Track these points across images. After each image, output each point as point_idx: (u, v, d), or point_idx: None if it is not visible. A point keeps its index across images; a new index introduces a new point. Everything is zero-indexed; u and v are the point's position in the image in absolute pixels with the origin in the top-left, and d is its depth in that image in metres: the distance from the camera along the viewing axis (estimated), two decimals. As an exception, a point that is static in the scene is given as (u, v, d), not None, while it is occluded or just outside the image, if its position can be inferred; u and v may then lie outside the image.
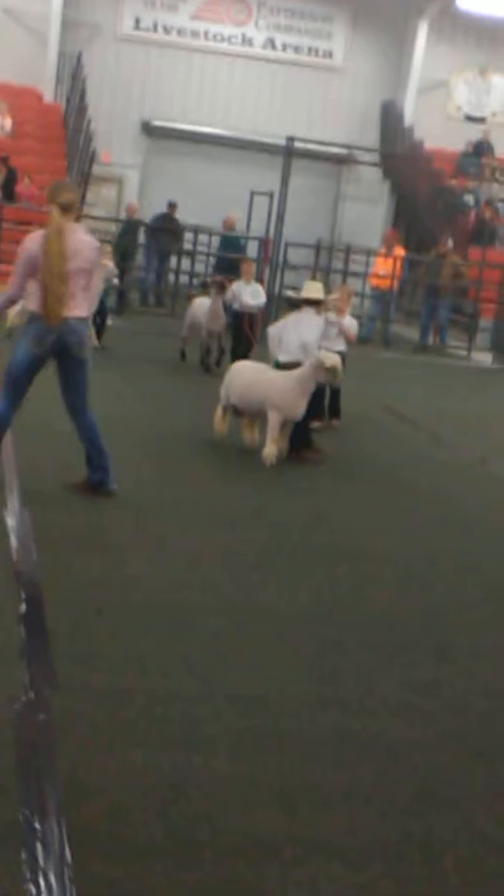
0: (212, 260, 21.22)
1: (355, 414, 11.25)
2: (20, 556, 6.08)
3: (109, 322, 14.61)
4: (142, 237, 21.81)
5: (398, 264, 20.79)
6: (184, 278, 21.34)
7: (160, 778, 3.89)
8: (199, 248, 21.53)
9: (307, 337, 9.49)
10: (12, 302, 7.60)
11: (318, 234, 24.94)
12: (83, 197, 20.38)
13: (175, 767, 3.97)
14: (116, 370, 12.82)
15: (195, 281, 20.56)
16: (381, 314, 20.80)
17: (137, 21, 26.29)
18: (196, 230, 21.33)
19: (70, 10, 24.92)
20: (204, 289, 15.56)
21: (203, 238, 22.00)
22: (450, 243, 21.01)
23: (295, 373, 9.11)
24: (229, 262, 19.49)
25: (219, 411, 9.59)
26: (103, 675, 4.67)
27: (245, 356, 12.10)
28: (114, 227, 22.04)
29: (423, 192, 25.69)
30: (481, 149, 26.96)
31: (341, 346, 10.80)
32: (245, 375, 9.41)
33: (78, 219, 7.82)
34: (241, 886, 3.35)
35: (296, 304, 11.00)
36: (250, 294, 13.34)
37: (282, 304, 18.07)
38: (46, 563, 5.95)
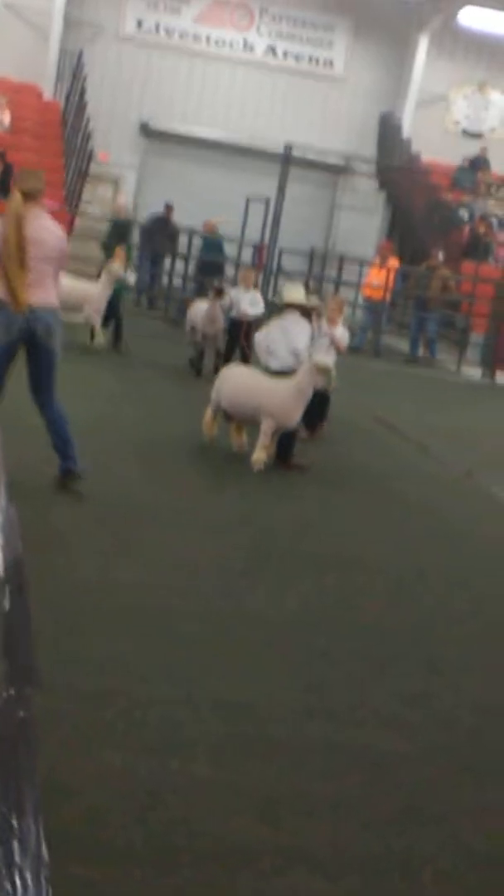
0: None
1: (345, 423, 11.21)
2: (5, 552, 5.99)
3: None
4: (135, 237, 21.74)
5: (391, 276, 20.77)
6: (177, 281, 21.25)
7: (139, 782, 3.83)
8: (194, 252, 21.46)
9: (298, 344, 9.45)
10: None
11: (312, 243, 24.95)
12: (79, 195, 20.36)
13: (154, 772, 3.91)
14: (107, 371, 12.77)
15: (189, 285, 20.50)
16: (373, 325, 20.78)
17: (140, 22, 26.24)
18: (191, 233, 21.27)
19: (72, 8, 24.85)
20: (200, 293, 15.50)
21: (197, 242, 21.94)
22: (440, 256, 20.99)
23: (293, 381, 9.05)
24: (210, 266, 19.38)
25: (209, 414, 9.48)
26: (85, 677, 4.60)
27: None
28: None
29: (418, 205, 25.71)
30: (478, 164, 27.00)
31: (331, 357, 10.57)
32: (239, 381, 9.32)
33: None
34: (217, 893, 3.29)
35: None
36: (249, 302, 13.04)
37: (275, 311, 18.01)
38: (32, 562, 5.87)
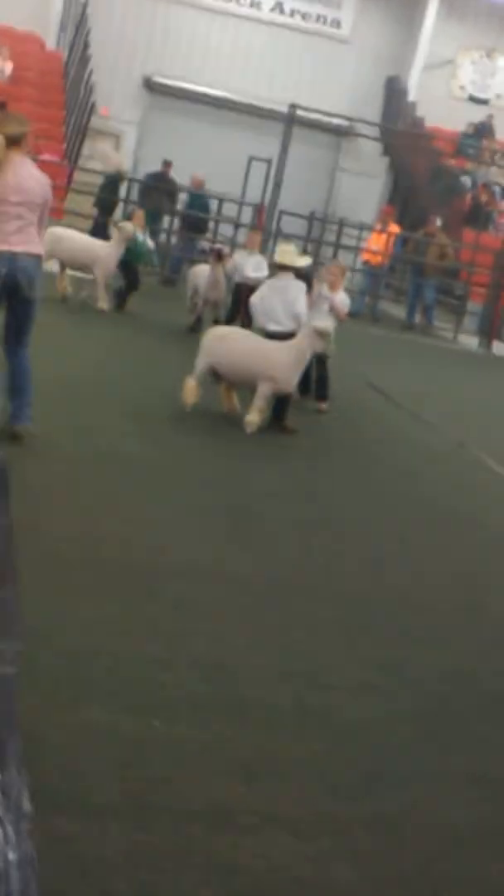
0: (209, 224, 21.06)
1: (339, 388, 11.24)
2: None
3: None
4: (134, 194, 21.62)
5: (391, 241, 20.74)
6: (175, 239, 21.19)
7: (120, 739, 3.93)
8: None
9: (298, 308, 9.48)
10: None
11: (312, 205, 24.84)
12: (79, 149, 20.24)
13: (135, 730, 4.01)
14: (101, 328, 12.78)
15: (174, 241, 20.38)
16: (371, 290, 20.77)
17: (147, -26, 26.01)
18: (190, 191, 21.14)
19: (78, -42, 24.62)
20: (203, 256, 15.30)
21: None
22: (438, 223, 20.91)
23: (292, 345, 9.08)
24: (194, 221, 19.25)
25: (191, 381, 9.20)
26: (68, 634, 4.69)
27: None
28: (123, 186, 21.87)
29: (421, 171, 25.61)
30: (483, 131, 26.87)
31: (330, 323, 10.55)
32: (235, 345, 9.18)
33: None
34: (194, 851, 3.40)
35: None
36: (253, 266, 12.43)
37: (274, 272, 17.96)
38: (18, 514, 5.92)
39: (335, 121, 24.70)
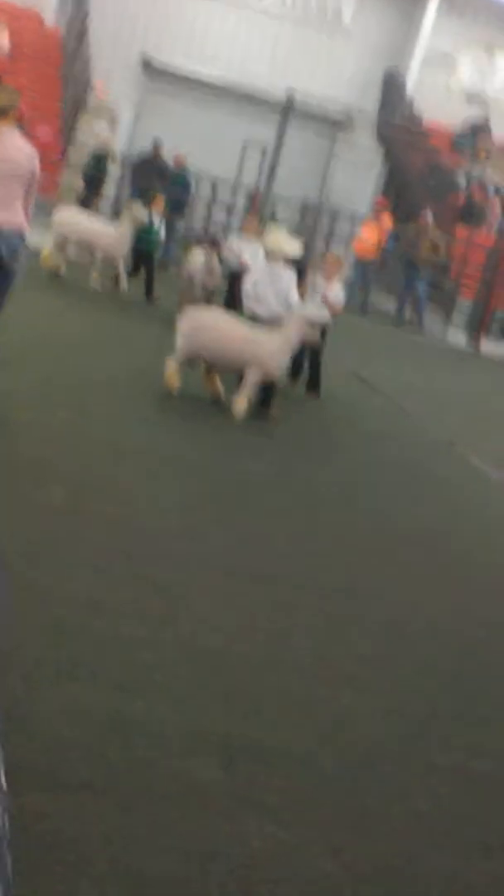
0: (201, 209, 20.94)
1: (327, 381, 11.20)
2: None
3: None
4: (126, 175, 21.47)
5: (383, 234, 20.68)
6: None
7: (101, 719, 3.88)
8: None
9: (290, 295, 9.41)
10: None
11: (306, 194, 24.79)
12: (74, 126, 20.11)
13: (117, 710, 3.96)
14: (92, 310, 12.69)
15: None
16: (362, 283, 20.71)
17: (149, -44, 25.84)
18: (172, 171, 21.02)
19: None
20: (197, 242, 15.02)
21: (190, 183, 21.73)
22: (429, 217, 20.85)
23: (283, 332, 9.02)
24: (175, 201, 19.15)
25: (173, 365, 9.10)
26: (53, 611, 4.63)
27: None
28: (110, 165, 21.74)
29: (415, 165, 25.56)
30: (479, 129, 26.83)
31: (325, 316, 10.36)
32: (222, 332, 9.06)
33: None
34: (172, 833, 3.35)
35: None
36: (251, 254, 11.92)
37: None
38: (6, 493, 5.88)
39: (332, 110, 24.61)
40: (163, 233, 14.46)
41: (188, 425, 8.59)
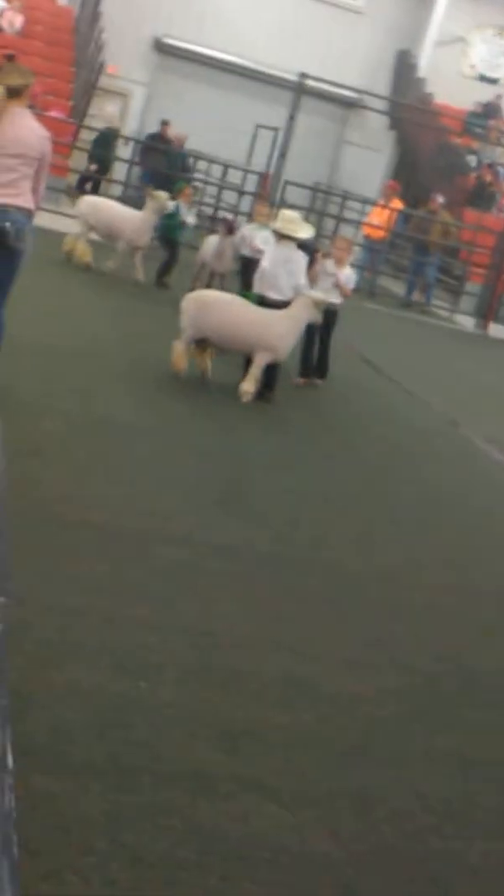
0: (210, 190, 20.85)
1: (334, 362, 11.22)
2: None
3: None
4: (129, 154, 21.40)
5: (394, 217, 20.64)
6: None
7: (105, 700, 3.93)
8: (198, 176, 21.26)
9: (300, 279, 9.41)
10: None
11: (317, 176, 24.72)
12: (86, 107, 20.06)
13: (121, 692, 4.01)
14: (94, 292, 12.68)
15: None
16: (371, 265, 20.68)
17: None
18: (196, 156, 21.00)
19: None
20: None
21: (202, 165, 21.70)
22: (440, 200, 20.81)
23: (288, 314, 9.04)
24: (166, 178, 19.09)
25: (180, 346, 9.12)
26: (58, 593, 4.68)
27: None
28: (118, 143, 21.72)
29: (426, 147, 25.48)
30: (490, 111, 26.73)
31: (336, 300, 10.38)
32: (229, 315, 9.06)
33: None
34: (175, 815, 3.40)
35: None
36: (262, 239, 11.56)
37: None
38: (13, 473, 5.92)
39: (344, 92, 24.50)
40: (190, 219, 14.25)
41: (193, 407, 8.62)
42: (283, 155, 20.14)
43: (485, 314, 20.15)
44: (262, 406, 9.10)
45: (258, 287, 9.52)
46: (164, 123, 21.63)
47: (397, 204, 20.95)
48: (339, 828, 3.56)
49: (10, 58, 18.88)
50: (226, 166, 21.02)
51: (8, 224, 6.85)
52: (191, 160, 20.38)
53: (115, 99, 21.89)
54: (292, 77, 22.25)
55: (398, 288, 21.19)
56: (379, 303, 19.19)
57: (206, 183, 20.98)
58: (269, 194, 19.29)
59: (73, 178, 18.82)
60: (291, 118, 20.20)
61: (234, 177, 21.50)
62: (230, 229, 12.76)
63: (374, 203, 21.48)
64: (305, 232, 9.47)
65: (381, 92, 26.14)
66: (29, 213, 7.01)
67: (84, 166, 19.26)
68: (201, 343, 9.18)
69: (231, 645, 4.65)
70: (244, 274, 12.17)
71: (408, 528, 7.12)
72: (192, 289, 12.80)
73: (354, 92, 24.40)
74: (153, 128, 23.12)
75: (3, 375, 7.38)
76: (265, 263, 9.51)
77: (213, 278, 13.10)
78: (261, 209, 12.89)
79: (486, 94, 27.23)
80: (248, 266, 11.86)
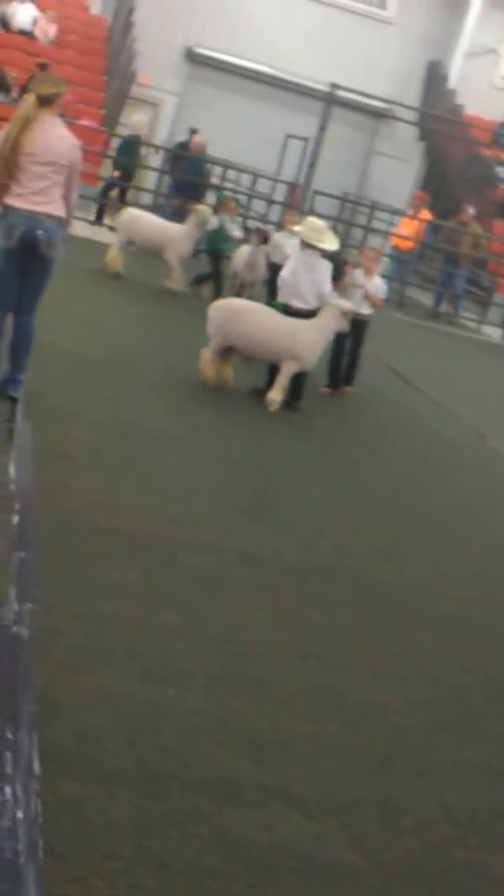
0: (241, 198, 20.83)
1: (361, 372, 11.21)
2: (18, 470, 6.08)
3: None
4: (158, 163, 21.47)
5: (422, 227, 20.62)
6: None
7: (133, 707, 3.95)
8: (227, 185, 21.28)
9: (324, 288, 9.40)
10: None
11: (345, 186, 24.73)
12: (118, 116, 20.16)
13: (149, 699, 4.03)
14: (125, 300, 12.74)
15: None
16: (399, 276, 20.66)
17: None
18: (226, 165, 21.03)
19: None
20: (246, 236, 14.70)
21: (231, 174, 21.73)
22: (471, 211, 20.78)
23: (316, 323, 9.05)
24: (188, 185, 18.92)
25: (207, 355, 9.17)
26: (88, 599, 4.71)
27: None
28: (143, 150, 21.80)
29: (456, 158, 25.45)
30: (521, 122, 26.68)
31: (366, 310, 10.38)
32: (257, 323, 9.07)
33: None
34: (201, 822, 3.41)
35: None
36: (293, 247, 10.95)
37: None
38: (43, 480, 5.96)
39: (373, 103, 24.53)
40: (235, 232, 14.00)
41: (222, 415, 8.64)
42: (312, 165, 20.17)
43: (512, 325, 20.09)
44: (289, 415, 9.11)
45: (282, 296, 9.52)
46: (193, 132, 21.66)
47: (426, 215, 20.93)
48: (364, 838, 3.56)
49: (43, 66, 19.09)
50: (255, 176, 21.05)
51: (40, 232, 6.90)
52: (208, 165, 20.26)
53: (144, 108, 21.93)
54: (322, 87, 22.32)
55: (426, 299, 21.16)
56: (407, 313, 19.16)
57: (234, 192, 20.97)
58: (298, 204, 19.32)
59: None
60: (322, 128, 20.23)
61: (264, 186, 21.53)
62: (265, 238, 12.67)
63: (402, 214, 21.47)
64: (330, 243, 9.43)
65: (411, 103, 26.15)
66: (60, 221, 7.04)
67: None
68: (225, 353, 9.21)
69: (258, 653, 4.66)
70: (272, 282, 12.00)
71: (435, 538, 7.11)
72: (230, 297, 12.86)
73: (384, 102, 24.43)
74: (184, 137, 23.18)
75: (34, 383, 7.42)
76: (285, 272, 9.51)
77: (244, 288, 13.05)
78: (290, 218, 12.98)
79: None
80: (276, 274, 11.47)
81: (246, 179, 21.97)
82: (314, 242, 9.27)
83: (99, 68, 22.07)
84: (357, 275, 10.32)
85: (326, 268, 9.46)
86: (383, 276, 12.85)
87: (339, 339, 10.28)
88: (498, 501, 8.50)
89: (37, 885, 2.95)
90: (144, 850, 3.23)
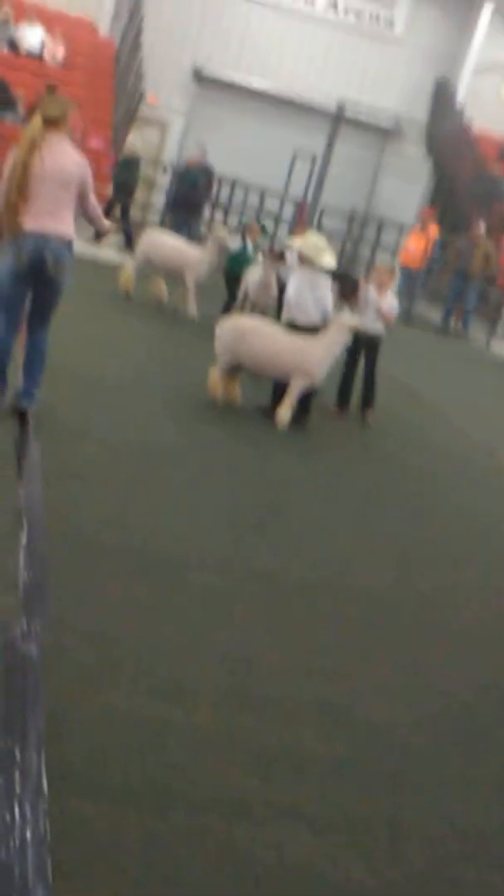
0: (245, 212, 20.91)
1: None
2: (27, 487, 6.11)
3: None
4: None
5: (430, 243, 20.65)
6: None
7: (141, 725, 3.95)
8: (235, 202, 21.38)
9: (327, 303, 9.44)
10: None
11: (353, 203, 24.80)
12: (126, 136, 20.26)
13: (157, 716, 4.03)
14: (136, 320, 12.78)
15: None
16: (407, 291, 20.68)
17: (201, -34, 26.02)
18: (234, 183, 21.12)
19: None
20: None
21: (240, 193, 21.84)
22: (482, 228, 20.80)
23: (326, 340, 9.06)
24: (185, 200, 18.96)
25: (216, 373, 9.20)
26: (97, 617, 4.71)
27: None
28: (150, 170, 21.94)
29: (463, 175, 25.51)
30: (529, 138, 26.74)
31: (379, 328, 10.35)
32: (265, 341, 9.07)
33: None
34: (210, 840, 3.41)
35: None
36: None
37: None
38: (52, 497, 5.98)
39: (381, 119, 24.63)
40: (259, 257, 13.88)
41: (231, 432, 8.65)
42: (320, 182, 20.24)
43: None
44: (298, 432, 9.12)
45: (287, 313, 9.56)
46: (202, 150, 21.73)
47: (434, 231, 20.97)
48: (372, 855, 3.56)
49: (52, 89, 19.22)
50: (263, 193, 21.14)
51: (47, 252, 6.94)
52: (203, 180, 20.30)
53: (152, 128, 22.05)
54: (330, 105, 22.42)
55: (434, 314, 21.17)
56: (416, 329, 19.18)
57: (227, 207, 20.86)
58: (306, 221, 19.36)
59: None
60: (329, 146, 20.32)
61: (272, 204, 21.61)
62: (280, 256, 12.55)
63: (410, 229, 21.51)
64: (329, 261, 9.46)
65: (419, 119, 26.26)
66: (69, 243, 7.09)
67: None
68: (232, 371, 9.23)
69: (266, 671, 4.65)
70: (282, 302, 12.10)
71: (444, 555, 7.11)
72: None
73: (392, 120, 24.53)
74: (190, 156, 23.30)
75: (45, 401, 7.45)
76: (290, 292, 9.53)
77: (255, 310, 12.84)
78: (300, 235, 12.85)
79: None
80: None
81: (254, 197, 22.06)
82: (314, 259, 9.32)
83: (107, 89, 22.20)
84: (370, 292, 10.28)
85: (327, 283, 9.50)
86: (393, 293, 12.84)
87: (352, 358, 10.29)
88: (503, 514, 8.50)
89: (45, 903, 2.96)
90: (153, 868, 3.23)
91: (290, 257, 12.12)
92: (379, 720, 4.48)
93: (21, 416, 7.15)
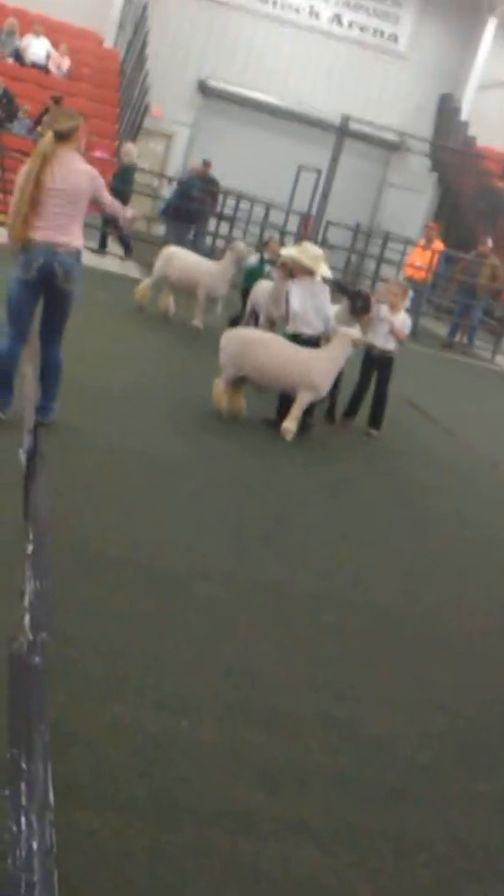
0: (251, 227, 20.93)
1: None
2: (33, 499, 6.10)
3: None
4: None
5: (435, 258, 20.68)
6: (219, 243, 21.24)
7: (147, 738, 3.95)
8: (241, 215, 21.39)
9: (328, 310, 9.49)
10: None
11: (358, 218, 24.86)
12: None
13: (163, 729, 4.03)
14: (145, 331, 12.79)
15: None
16: (412, 306, 20.66)
17: (207, -21, 26.13)
18: (239, 196, 21.16)
19: (140, -41, 24.75)
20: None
21: (244, 205, 21.86)
22: (489, 243, 20.88)
23: (330, 352, 9.08)
24: (183, 209, 18.99)
25: (220, 385, 9.20)
26: (102, 629, 4.71)
27: None
28: (156, 182, 21.99)
29: (468, 190, 25.58)
30: (533, 153, 26.81)
31: (391, 346, 10.32)
32: (271, 353, 9.07)
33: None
34: (215, 854, 3.41)
35: (344, 291, 10.25)
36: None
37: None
38: (58, 508, 5.97)
39: (386, 134, 24.71)
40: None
41: (237, 444, 8.65)
42: (325, 196, 20.28)
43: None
44: (304, 444, 9.13)
45: (291, 325, 9.59)
46: (206, 163, 21.82)
47: (439, 245, 21.01)
48: (378, 871, 3.55)
49: (57, 100, 19.27)
50: (268, 207, 21.17)
51: (56, 265, 6.98)
52: (197, 190, 20.30)
53: (157, 140, 22.11)
54: (335, 119, 22.47)
55: (440, 329, 21.20)
56: (421, 343, 19.19)
57: (235, 219, 20.91)
58: (311, 235, 19.40)
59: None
60: (334, 160, 20.36)
61: (276, 217, 21.64)
62: (291, 272, 12.45)
63: (415, 244, 21.55)
64: (325, 270, 9.54)
65: (424, 135, 26.33)
66: (78, 254, 7.13)
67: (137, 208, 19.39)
68: (237, 383, 9.24)
69: (272, 684, 4.65)
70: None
71: (449, 569, 7.10)
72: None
73: (396, 134, 24.59)
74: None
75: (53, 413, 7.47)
76: (294, 303, 9.54)
77: (267, 323, 12.70)
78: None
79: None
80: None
81: (258, 210, 22.09)
82: (311, 268, 9.39)
83: (112, 101, 22.27)
84: (382, 310, 10.22)
85: (325, 292, 9.55)
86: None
87: (364, 376, 10.30)
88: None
89: (51, 916, 2.95)
90: (158, 881, 3.22)
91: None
92: (383, 734, 4.47)
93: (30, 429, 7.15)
